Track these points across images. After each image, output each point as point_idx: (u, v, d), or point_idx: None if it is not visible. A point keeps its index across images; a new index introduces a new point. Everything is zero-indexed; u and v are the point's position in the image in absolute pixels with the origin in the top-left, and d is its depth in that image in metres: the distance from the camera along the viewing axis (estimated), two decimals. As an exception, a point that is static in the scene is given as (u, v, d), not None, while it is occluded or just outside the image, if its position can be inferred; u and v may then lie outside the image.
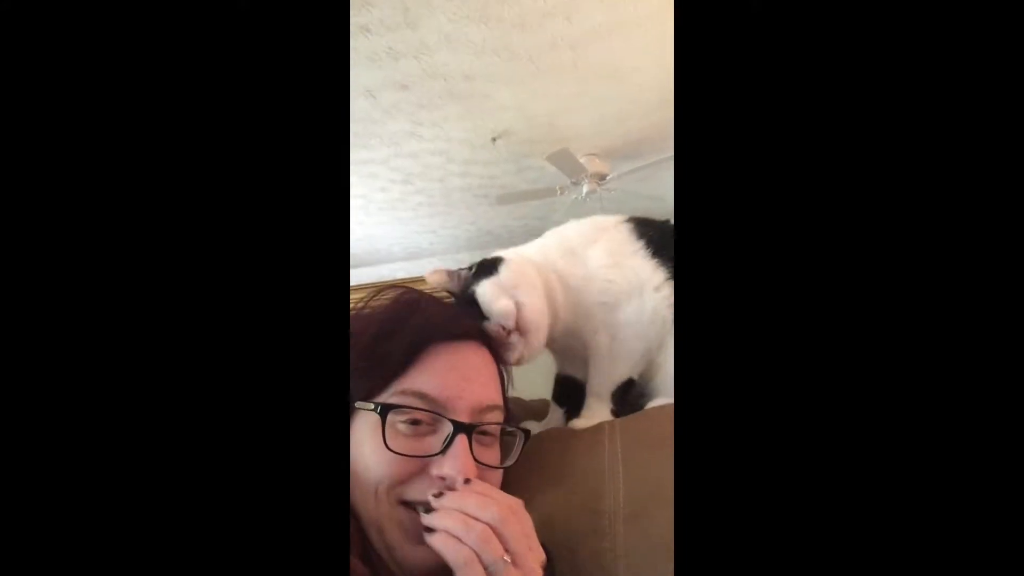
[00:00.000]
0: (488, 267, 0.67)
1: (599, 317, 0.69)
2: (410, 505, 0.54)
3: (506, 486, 0.61)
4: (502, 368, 0.65)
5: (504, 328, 0.62)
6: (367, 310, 0.62)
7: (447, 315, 0.62)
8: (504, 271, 0.66)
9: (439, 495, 0.51)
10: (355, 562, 0.55)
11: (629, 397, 0.73)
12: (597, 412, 0.71)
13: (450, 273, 0.69)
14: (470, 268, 0.69)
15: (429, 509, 0.51)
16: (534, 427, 0.72)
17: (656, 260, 0.69)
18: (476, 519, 0.48)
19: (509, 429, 0.61)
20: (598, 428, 0.65)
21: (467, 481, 0.52)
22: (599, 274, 0.69)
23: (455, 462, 0.53)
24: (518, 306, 0.63)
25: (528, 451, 0.63)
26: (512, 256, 0.69)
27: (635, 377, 0.72)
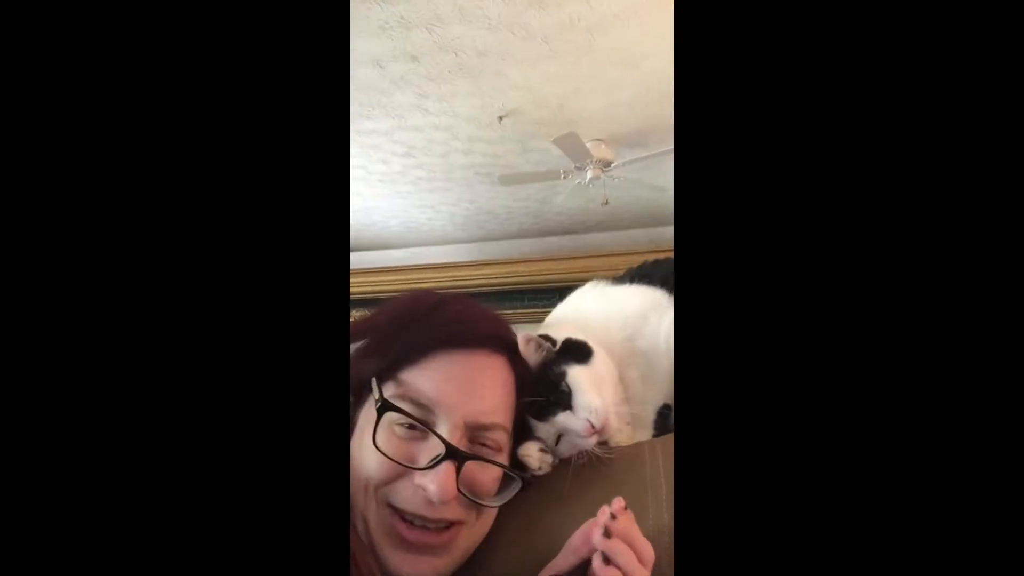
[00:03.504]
0: (578, 352, 0.65)
1: (625, 354, 0.70)
2: (395, 510, 0.55)
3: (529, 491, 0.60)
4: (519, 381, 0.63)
5: (590, 424, 0.61)
6: (394, 297, 0.63)
7: (466, 319, 0.61)
8: (597, 363, 0.65)
9: (614, 517, 0.51)
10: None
11: (669, 424, 0.73)
12: (638, 437, 0.71)
13: (532, 341, 0.65)
14: (549, 339, 0.66)
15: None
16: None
17: (659, 287, 0.72)
18: (642, 563, 0.51)
19: (508, 472, 0.59)
20: (636, 446, 0.66)
21: (614, 516, 0.52)
22: (619, 311, 0.71)
23: (436, 479, 0.53)
24: (604, 407, 0.62)
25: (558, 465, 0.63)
26: (597, 348, 0.67)
27: (670, 402, 0.71)
